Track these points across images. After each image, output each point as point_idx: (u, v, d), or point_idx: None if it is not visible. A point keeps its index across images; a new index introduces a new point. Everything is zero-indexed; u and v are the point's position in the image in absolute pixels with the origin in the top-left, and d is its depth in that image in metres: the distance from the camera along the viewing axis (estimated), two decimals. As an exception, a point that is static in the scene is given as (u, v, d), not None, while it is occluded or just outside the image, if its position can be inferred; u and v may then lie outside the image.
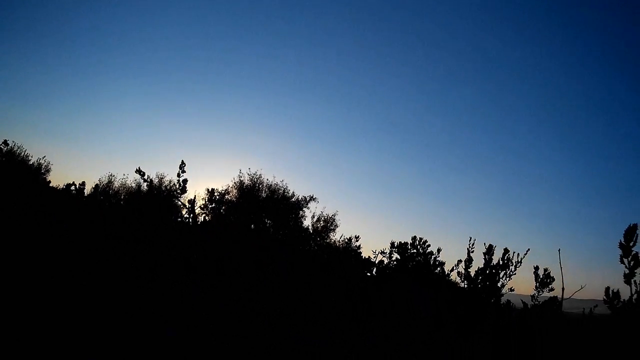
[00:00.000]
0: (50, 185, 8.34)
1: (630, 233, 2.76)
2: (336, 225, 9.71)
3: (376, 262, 6.93)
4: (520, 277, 4.48)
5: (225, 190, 8.97)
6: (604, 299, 2.89)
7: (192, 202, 6.14)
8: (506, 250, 4.41)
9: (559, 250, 3.37)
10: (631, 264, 2.75)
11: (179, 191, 5.73)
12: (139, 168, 5.71)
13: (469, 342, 3.60)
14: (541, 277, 4.15)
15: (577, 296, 3.77)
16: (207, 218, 7.37)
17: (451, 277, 6.01)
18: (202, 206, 7.33)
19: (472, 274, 4.54)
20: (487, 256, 4.43)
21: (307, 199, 9.78)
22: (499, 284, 4.35)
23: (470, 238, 4.80)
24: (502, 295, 4.35)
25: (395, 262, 6.60)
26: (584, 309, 3.96)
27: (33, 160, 9.10)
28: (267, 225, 8.79)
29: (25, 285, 3.54)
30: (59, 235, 4.16)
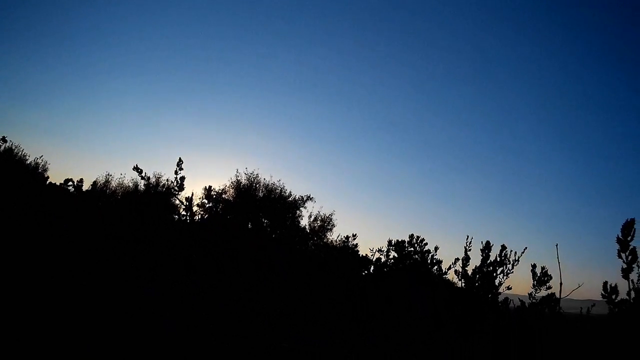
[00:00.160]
0: (49, 181, 8.25)
1: (627, 228, 2.77)
2: (333, 225, 9.72)
3: (373, 260, 6.89)
4: (518, 277, 4.48)
5: (223, 189, 8.96)
6: (602, 294, 2.90)
7: (189, 199, 6.12)
8: (503, 247, 4.41)
9: (556, 245, 3.38)
10: (629, 259, 2.76)
11: (176, 188, 5.72)
12: (137, 165, 5.70)
13: (469, 342, 3.60)
14: (538, 275, 4.15)
15: (575, 296, 3.77)
16: (204, 216, 7.34)
17: (448, 276, 6.00)
18: (199, 204, 7.29)
19: (470, 272, 4.54)
20: (484, 253, 4.43)
21: (304, 199, 9.78)
22: (496, 282, 4.35)
23: (468, 236, 4.79)
24: (500, 294, 4.34)
25: (392, 260, 6.58)
26: (581, 308, 3.96)
27: (30, 159, 9.10)
28: (265, 224, 8.78)
29: (26, 285, 3.53)
30: (59, 235, 4.16)
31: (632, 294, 2.81)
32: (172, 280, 4.47)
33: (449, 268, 5.92)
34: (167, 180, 5.85)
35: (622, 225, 2.76)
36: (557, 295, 3.67)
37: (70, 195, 6.91)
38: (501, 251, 4.41)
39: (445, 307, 4.27)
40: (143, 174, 5.74)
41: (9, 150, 8.26)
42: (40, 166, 9.00)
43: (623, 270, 2.76)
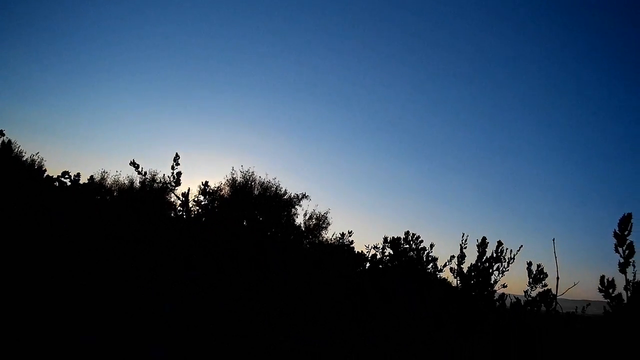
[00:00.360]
0: (46, 174, 8.15)
1: (624, 222, 2.77)
2: (328, 223, 9.73)
3: (369, 256, 6.87)
4: (514, 276, 4.48)
5: (218, 187, 8.96)
6: (599, 287, 2.91)
7: (185, 195, 6.12)
8: (500, 243, 4.42)
9: (553, 240, 3.38)
10: (626, 253, 2.77)
11: (173, 184, 5.72)
12: (133, 160, 5.69)
13: (469, 342, 3.60)
14: (534, 273, 4.15)
15: (570, 296, 3.77)
16: (201, 211, 7.31)
17: (444, 272, 5.99)
18: (195, 199, 7.28)
19: (465, 270, 4.55)
20: (480, 249, 4.44)
21: (300, 197, 9.78)
22: (492, 280, 4.35)
23: (463, 234, 4.80)
24: (495, 291, 4.34)
25: (388, 257, 6.56)
26: (576, 307, 3.97)
27: (27, 156, 9.06)
28: (261, 222, 8.79)
29: (26, 285, 3.54)
30: (59, 235, 4.17)
31: (630, 289, 2.81)
32: (172, 279, 4.48)
33: (445, 265, 5.93)
34: (164, 175, 5.84)
35: (619, 220, 2.77)
36: (554, 291, 3.67)
37: (67, 189, 6.83)
38: (497, 247, 4.42)
39: (440, 306, 4.27)
40: (140, 169, 5.73)
41: (8, 145, 8.17)
42: (37, 163, 8.97)
43: (620, 264, 2.77)
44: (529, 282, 4.14)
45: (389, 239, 6.68)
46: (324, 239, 9.33)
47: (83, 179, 8.34)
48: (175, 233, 5.29)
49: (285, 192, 9.76)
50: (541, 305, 3.88)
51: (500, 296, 4.33)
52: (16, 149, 8.64)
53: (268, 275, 5.09)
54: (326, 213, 9.76)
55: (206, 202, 7.35)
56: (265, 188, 9.62)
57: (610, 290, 2.86)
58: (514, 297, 4.24)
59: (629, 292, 2.82)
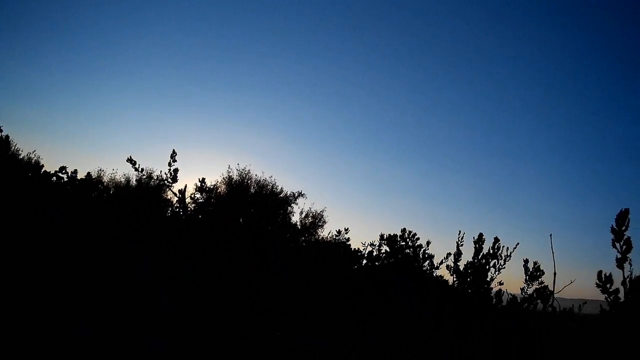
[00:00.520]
0: (44, 169, 8.07)
1: (622, 217, 2.79)
2: (324, 222, 9.72)
3: (365, 254, 6.83)
4: (510, 275, 4.48)
5: (214, 185, 8.95)
6: (597, 283, 2.91)
7: (182, 191, 6.11)
8: (496, 240, 4.42)
9: (550, 236, 3.37)
10: (623, 248, 2.78)
11: (170, 180, 5.71)
12: (130, 157, 5.69)
13: (469, 342, 3.61)
14: (531, 270, 4.15)
15: (567, 295, 3.77)
16: (196, 207, 7.27)
17: (440, 271, 5.96)
18: (192, 196, 7.25)
19: (462, 267, 4.55)
20: (477, 245, 4.44)
21: (296, 195, 9.77)
22: (489, 278, 4.35)
23: (460, 231, 4.79)
24: (492, 289, 4.34)
25: (384, 254, 6.54)
26: (572, 305, 3.96)
27: (23, 154, 9.03)
28: (258, 221, 8.78)
29: (26, 285, 3.54)
30: (59, 235, 4.17)
31: (627, 285, 2.82)
32: (172, 279, 4.48)
33: (441, 263, 5.91)
34: (161, 171, 5.82)
35: (617, 215, 2.79)
36: (551, 287, 3.66)
37: (64, 184, 6.79)
38: (494, 244, 4.42)
39: (437, 305, 4.27)
40: (137, 166, 5.71)
41: (6, 140, 8.06)
42: (33, 161, 8.93)
43: (617, 260, 2.78)
44: (526, 279, 4.14)
45: (385, 236, 6.64)
46: (320, 237, 9.32)
47: (80, 177, 8.30)
48: (175, 233, 5.30)
49: (282, 191, 9.75)
50: (538, 301, 3.88)
51: (497, 292, 4.32)
52: (13, 147, 8.61)
53: (268, 274, 5.09)
54: (322, 211, 9.76)
55: (203, 200, 7.33)
56: (262, 186, 9.62)
57: (608, 285, 2.87)
58: (511, 294, 4.24)
59: (626, 287, 2.82)
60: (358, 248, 7.03)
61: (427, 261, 6.15)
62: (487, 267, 4.37)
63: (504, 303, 4.18)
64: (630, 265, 2.80)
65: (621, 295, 2.87)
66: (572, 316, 3.63)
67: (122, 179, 9.36)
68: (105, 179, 9.37)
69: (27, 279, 3.60)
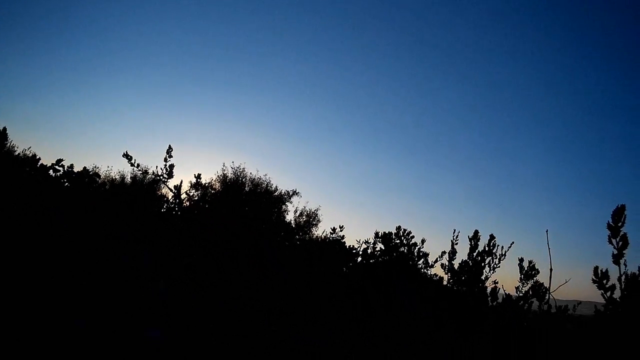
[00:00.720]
0: (40, 162, 7.99)
1: (618, 213, 2.79)
2: (318, 220, 9.76)
3: (360, 251, 6.82)
4: (505, 274, 4.49)
5: (209, 183, 8.95)
6: (593, 279, 2.92)
7: (178, 187, 6.11)
8: (492, 237, 4.42)
9: (546, 231, 3.36)
10: (619, 245, 2.79)
11: (165, 176, 5.70)
12: (127, 152, 5.67)
13: (469, 342, 3.61)
14: (526, 269, 4.16)
15: (562, 296, 3.76)
16: (192, 203, 7.24)
17: (434, 269, 5.96)
18: (187, 192, 7.25)
19: (456, 266, 4.56)
20: (472, 242, 4.44)
21: (290, 193, 9.80)
22: (483, 277, 4.36)
23: (455, 230, 4.80)
24: (487, 287, 4.35)
25: (379, 252, 6.53)
26: (567, 304, 3.97)
27: (19, 151, 8.97)
28: (256, 220, 8.78)
29: (26, 285, 3.54)
30: (59, 235, 4.17)
31: (623, 281, 2.83)
32: (172, 279, 4.48)
33: (436, 261, 5.92)
34: (157, 166, 5.80)
35: (613, 211, 2.79)
36: (547, 284, 3.66)
37: (60, 178, 6.72)
38: (490, 241, 4.43)
39: (432, 305, 4.28)
40: (133, 161, 5.70)
41: (3, 132, 7.99)
42: (30, 155, 8.87)
43: (614, 256, 2.79)
44: (521, 277, 4.15)
45: (380, 234, 6.63)
46: (315, 236, 9.33)
47: (76, 171, 8.21)
48: (175, 233, 5.30)
49: (276, 189, 9.78)
50: (533, 300, 3.89)
51: (492, 290, 4.33)
52: (9, 144, 8.54)
53: (267, 274, 5.10)
54: (316, 210, 9.79)
55: (197, 197, 7.31)
56: (256, 184, 9.64)
57: (604, 282, 2.88)
58: (506, 293, 4.25)
59: (622, 284, 2.84)
60: (353, 245, 7.02)
61: (422, 259, 6.14)
62: (483, 264, 4.38)
63: (500, 300, 4.18)
64: (625, 266, 2.82)
65: (617, 292, 2.88)
66: (568, 317, 3.64)
67: (117, 176, 9.36)
68: (101, 175, 9.35)
69: (27, 279, 3.60)
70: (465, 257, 4.52)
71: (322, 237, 8.86)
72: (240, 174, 9.61)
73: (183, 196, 6.46)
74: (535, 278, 4.09)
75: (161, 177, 5.75)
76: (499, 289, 4.31)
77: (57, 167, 7.10)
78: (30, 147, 8.91)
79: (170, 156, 5.68)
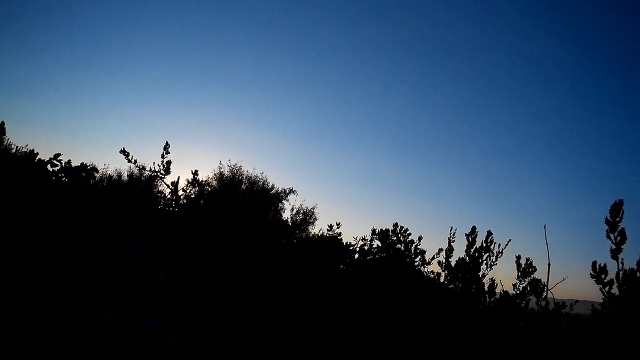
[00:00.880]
0: (38, 157, 7.92)
1: (616, 208, 2.81)
2: (315, 219, 9.75)
3: (357, 248, 6.81)
4: (502, 272, 4.49)
5: (205, 181, 8.93)
6: (591, 274, 2.93)
7: (175, 184, 6.10)
8: (489, 233, 4.42)
9: (544, 227, 3.37)
10: (617, 240, 2.80)
11: (162, 172, 5.70)
12: (124, 148, 5.66)
13: (469, 342, 3.62)
14: (523, 266, 4.17)
15: (559, 295, 3.77)
16: (188, 200, 7.21)
17: (431, 266, 5.96)
18: (183, 189, 7.23)
19: (453, 264, 4.56)
20: (470, 238, 4.44)
21: (287, 191, 9.79)
22: (480, 274, 4.36)
23: (452, 227, 4.79)
24: (484, 284, 4.35)
25: (375, 249, 6.52)
26: (564, 301, 3.98)
27: (16, 148, 8.92)
28: (254, 219, 8.76)
29: (26, 284, 3.54)
30: (59, 235, 4.17)
31: (621, 277, 2.84)
32: (172, 279, 4.48)
33: (433, 258, 5.92)
34: (154, 163, 5.79)
35: (611, 206, 2.81)
36: (545, 281, 3.66)
37: (57, 173, 6.68)
38: (487, 237, 4.42)
39: (432, 304, 4.28)
40: (130, 157, 5.69)
41: (2, 126, 7.92)
42: (28, 151, 8.79)
43: (612, 251, 2.80)
44: (518, 275, 4.16)
45: (377, 230, 6.62)
46: (311, 234, 9.33)
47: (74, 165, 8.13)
48: (175, 233, 5.30)
49: (273, 187, 9.77)
50: (531, 296, 3.89)
51: (490, 286, 4.33)
52: (6, 141, 8.49)
53: (267, 274, 5.10)
54: (313, 208, 9.78)
55: (194, 194, 7.28)
56: (253, 182, 9.63)
57: (603, 276, 2.90)
58: (503, 290, 4.25)
59: (619, 279, 2.85)
60: (349, 242, 7.02)
61: (419, 256, 6.14)
62: (480, 260, 4.38)
63: (497, 296, 4.18)
64: (623, 263, 2.83)
65: (615, 287, 2.89)
66: (565, 315, 3.65)
67: (114, 174, 9.34)
68: (98, 175, 9.32)
69: (27, 279, 3.60)
70: (463, 255, 4.52)
71: (319, 234, 8.87)
72: (237, 172, 9.62)
73: (180, 193, 6.45)
74: (532, 275, 4.10)
75: (158, 173, 5.75)
76: (497, 284, 4.32)
77: (55, 161, 7.05)
78: (27, 145, 8.85)
79: (167, 152, 5.67)
